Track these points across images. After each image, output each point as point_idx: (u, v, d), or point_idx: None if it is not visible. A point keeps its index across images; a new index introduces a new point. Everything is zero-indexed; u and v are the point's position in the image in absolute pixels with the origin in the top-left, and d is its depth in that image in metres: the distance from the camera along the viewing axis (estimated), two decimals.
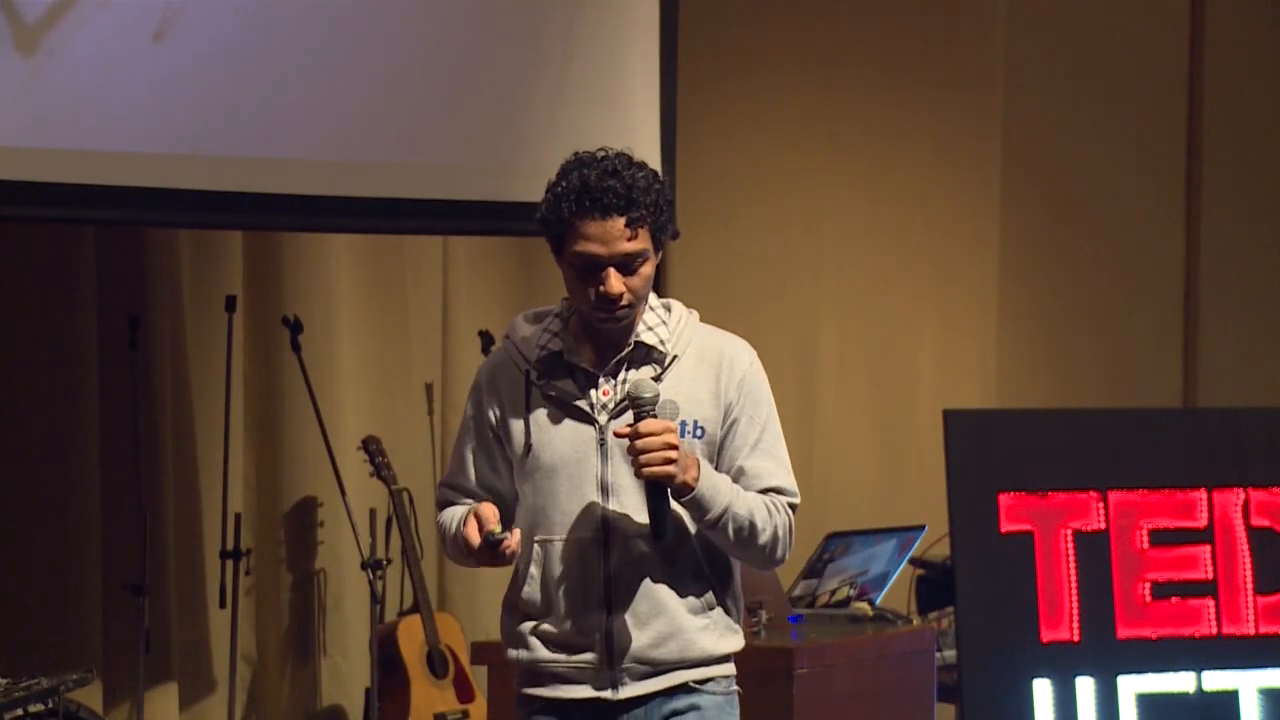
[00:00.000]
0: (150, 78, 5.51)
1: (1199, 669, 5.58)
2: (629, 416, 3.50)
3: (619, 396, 3.56)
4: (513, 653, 3.64)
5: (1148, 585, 5.57)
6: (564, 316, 3.64)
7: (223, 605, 6.42)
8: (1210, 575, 5.60)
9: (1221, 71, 8.65)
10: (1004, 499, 5.52)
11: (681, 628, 3.57)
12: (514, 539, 3.52)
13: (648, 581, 3.55)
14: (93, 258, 6.24)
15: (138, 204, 5.59)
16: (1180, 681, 5.57)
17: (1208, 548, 5.61)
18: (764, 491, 3.59)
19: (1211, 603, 5.59)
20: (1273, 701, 5.59)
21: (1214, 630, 5.59)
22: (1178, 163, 8.66)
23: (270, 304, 6.67)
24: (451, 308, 7.13)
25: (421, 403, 7.07)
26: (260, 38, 5.68)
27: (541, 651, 3.60)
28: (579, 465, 3.56)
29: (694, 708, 3.60)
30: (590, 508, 3.55)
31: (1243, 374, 8.55)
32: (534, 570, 3.59)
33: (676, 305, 3.67)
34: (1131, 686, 5.54)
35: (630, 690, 3.58)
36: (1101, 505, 5.56)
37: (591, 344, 3.61)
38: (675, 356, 3.60)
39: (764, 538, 3.57)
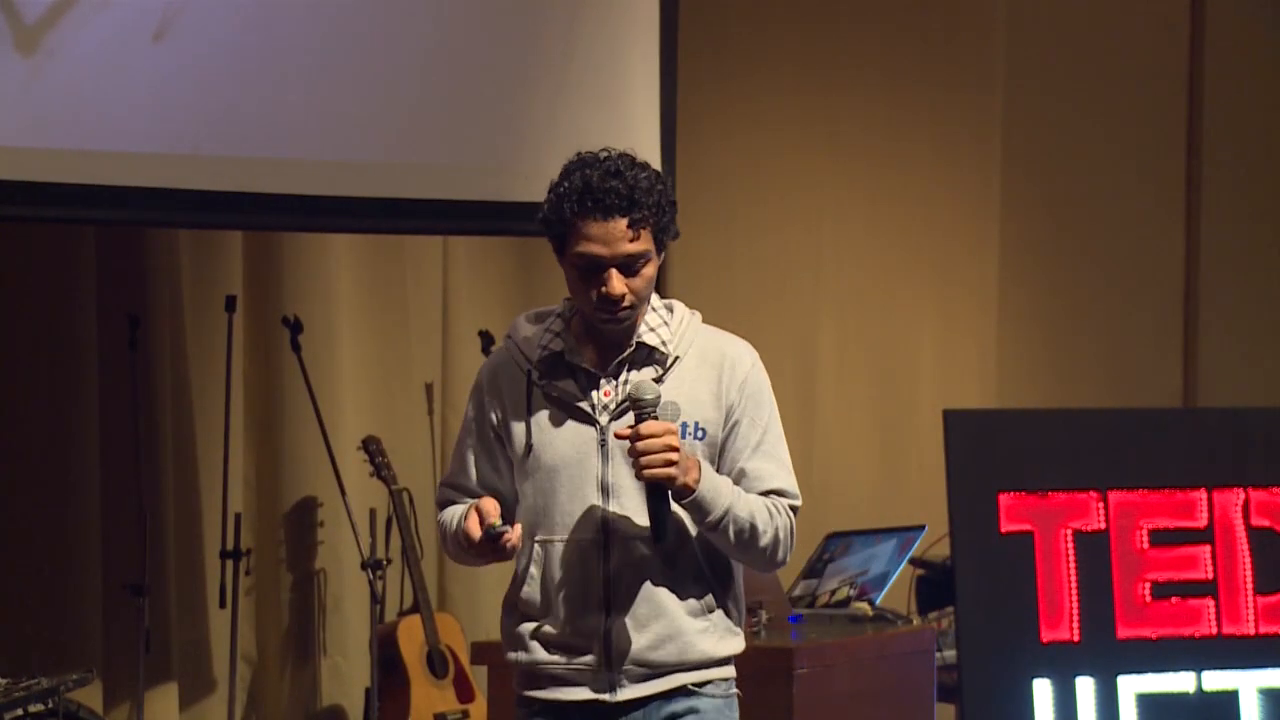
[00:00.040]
0: (150, 78, 5.50)
1: (1199, 669, 5.57)
2: (630, 417, 3.49)
3: (620, 397, 3.55)
4: (512, 655, 3.64)
5: (1148, 585, 5.56)
6: (566, 317, 3.63)
7: (223, 605, 6.42)
8: (1210, 575, 5.59)
9: (1221, 71, 8.65)
10: (1004, 499, 5.51)
11: (681, 630, 3.56)
12: (515, 533, 3.51)
13: (648, 584, 3.54)
14: (93, 258, 6.24)
15: (138, 204, 5.59)
16: (1180, 681, 5.57)
17: (1208, 548, 5.60)
18: (765, 494, 3.58)
19: (1211, 603, 5.59)
20: (1273, 702, 5.59)
21: (1214, 630, 5.58)
22: (1178, 163, 8.65)
23: (270, 304, 6.67)
24: (451, 308, 7.12)
25: (421, 403, 7.06)
26: (260, 38, 5.68)
27: (541, 654, 3.59)
28: (580, 466, 3.55)
29: (693, 710, 3.59)
30: (591, 509, 3.55)
31: (1243, 374, 8.54)
32: (534, 570, 3.58)
33: (679, 306, 3.66)
34: (1131, 686, 5.54)
35: (629, 692, 3.57)
36: (1101, 505, 5.55)
37: (593, 344, 3.60)
38: (677, 358, 3.59)
39: (765, 540, 3.56)
